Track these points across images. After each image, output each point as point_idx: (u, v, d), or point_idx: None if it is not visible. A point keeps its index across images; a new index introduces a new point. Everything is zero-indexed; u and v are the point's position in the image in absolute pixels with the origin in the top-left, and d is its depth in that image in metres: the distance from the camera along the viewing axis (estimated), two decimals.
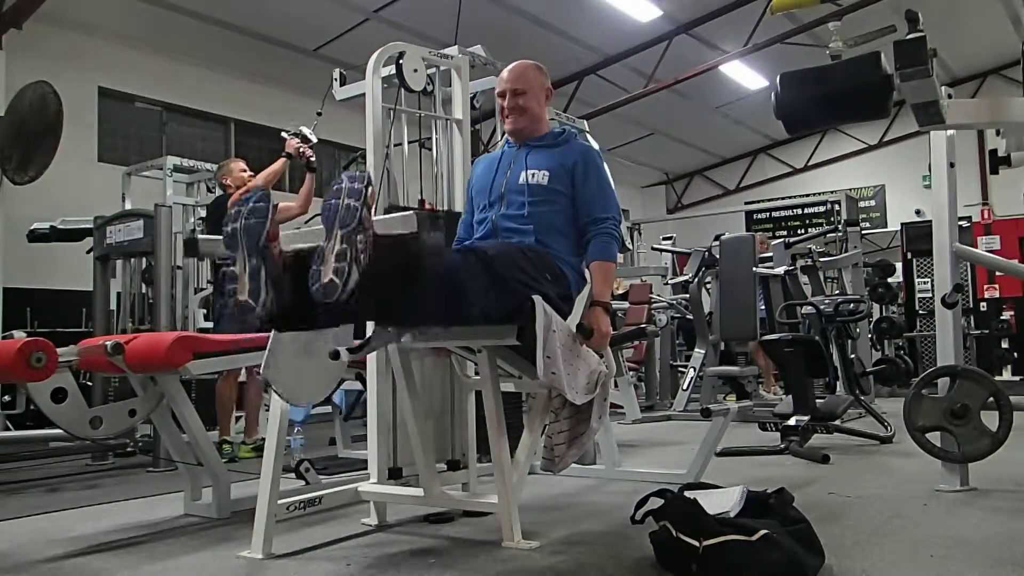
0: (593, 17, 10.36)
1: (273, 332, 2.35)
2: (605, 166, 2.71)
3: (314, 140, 4.71)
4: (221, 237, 2.09)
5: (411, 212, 2.70)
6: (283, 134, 4.77)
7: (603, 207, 2.60)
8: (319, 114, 4.56)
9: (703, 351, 6.68)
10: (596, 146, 3.54)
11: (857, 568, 2.15)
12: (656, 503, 2.34)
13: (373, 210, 1.99)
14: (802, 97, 2.58)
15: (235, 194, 4.76)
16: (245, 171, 5.02)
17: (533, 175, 2.61)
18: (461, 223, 2.89)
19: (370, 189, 1.96)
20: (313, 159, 4.78)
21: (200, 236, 6.05)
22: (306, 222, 4.80)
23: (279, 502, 2.53)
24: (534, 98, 2.72)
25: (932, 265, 3.54)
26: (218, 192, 5.57)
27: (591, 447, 3.67)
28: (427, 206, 3.48)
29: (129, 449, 4.60)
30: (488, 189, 2.69)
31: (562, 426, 2.47)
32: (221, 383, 4.76)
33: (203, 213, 6.62)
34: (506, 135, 2.84)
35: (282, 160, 4.75)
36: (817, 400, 4.71)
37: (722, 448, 4.14)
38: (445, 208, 3.51)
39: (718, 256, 6.58)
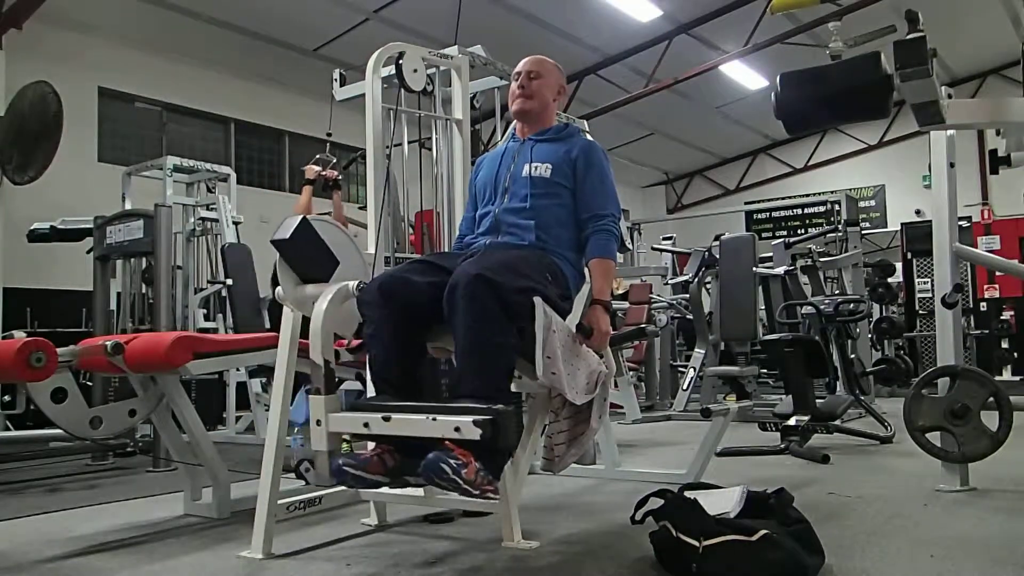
0: (593, 17, 10.37)
1: None
2: (608, 164, 2.71)
3: (333, 160, 4.85)
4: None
5: None
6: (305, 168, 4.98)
7: (602, 203, 2.60)
8: (329, 135, 4.65)
9: (703, 351, 6.68)
10: None
11: (857, 568, 2.15)
12: (656, 503, 2.34)
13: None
14: (802, 97, 2.57)
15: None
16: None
17: (536, 168, 2.62)
18: (463, 220, 2.90)
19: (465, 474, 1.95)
20: (338, 177, 5.02)
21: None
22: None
23: (279, 502, 2.53)
24: (547, 86, 2.75)
25: (932, 265, 3.54)
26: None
27: (591, 447, 3.67)
28: None
29: (129, 449, 4.59)
30: (492, 182, 2.70)
31: (562, 426, 2.47)
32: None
33: (203, 213, 6.63)
34: (511, 127, 2.85)
35: (306, 189, 4.99)
36: (817, 400, 4.71)
37: (722, 448, 4.14)
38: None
39: (718, 256, 6.58)
